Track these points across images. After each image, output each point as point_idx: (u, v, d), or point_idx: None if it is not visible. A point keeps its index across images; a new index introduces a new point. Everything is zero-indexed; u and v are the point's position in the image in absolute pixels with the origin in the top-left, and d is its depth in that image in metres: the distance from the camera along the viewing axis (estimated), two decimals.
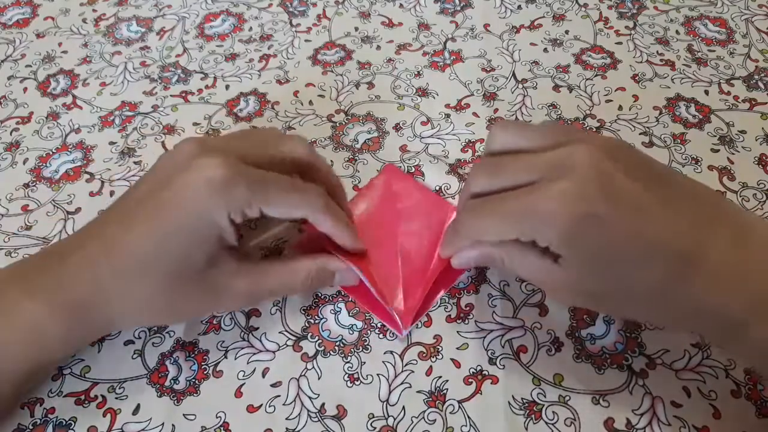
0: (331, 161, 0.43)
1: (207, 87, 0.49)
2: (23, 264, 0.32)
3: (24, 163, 0.44)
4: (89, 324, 0.31)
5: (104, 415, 0.32)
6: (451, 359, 0.34)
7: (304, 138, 0.33)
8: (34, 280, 0.29)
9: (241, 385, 0.33)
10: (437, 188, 0.41)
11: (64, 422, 0.32)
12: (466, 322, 0.35)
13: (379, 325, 0.35)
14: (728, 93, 0.47)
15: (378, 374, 0.33)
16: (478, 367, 0.33)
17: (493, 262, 0.32)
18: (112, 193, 0.42)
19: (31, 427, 0.32)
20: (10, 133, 0.46)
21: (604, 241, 0.27)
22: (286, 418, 0.32)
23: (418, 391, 0.32)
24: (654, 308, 0.29)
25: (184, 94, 0.49)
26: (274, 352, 0.34)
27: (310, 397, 0.33)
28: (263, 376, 0.33)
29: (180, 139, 0.45)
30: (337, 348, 0.34)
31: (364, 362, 0.34)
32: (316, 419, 0.32)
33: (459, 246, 0.32)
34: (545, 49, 0.51)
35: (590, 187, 0.26)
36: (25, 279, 0.30)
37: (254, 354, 0.34)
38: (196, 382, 0.33)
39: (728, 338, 0.28)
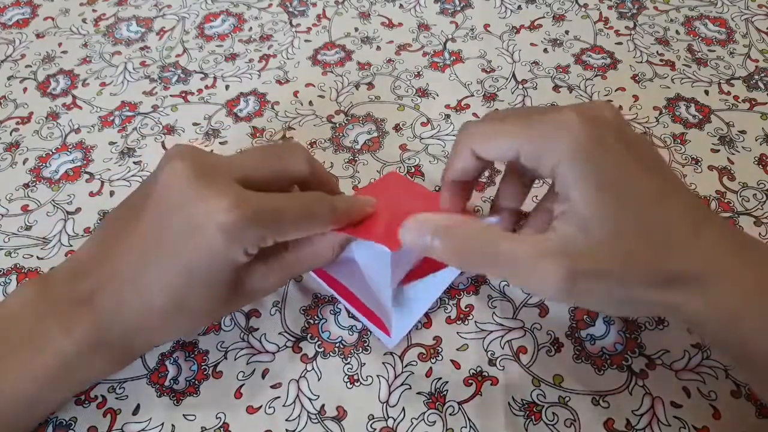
0: (331, 162, 0.43)
1: (207, 87, 0.49)
2: (54, 290, 0.30)
3: (24, 163, 0.44)
4: (128, 354, 0.31)
5: (104, 415, 0.32)
6: (451, 360, 0.34)
7: (302, 148, 0.32)
8: (70, 319, 0.29)
9: (241, 386, 0.33)
10: (437, 189, 0.41)
11: (64, 422, 0.32)
12: (466, 323, 0.35)
13: None
14: (728, 93, 0.47)
15: (378, 375, 0.33)
16: (478, 368, 0.33)
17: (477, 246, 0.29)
18: (112, 193, 0.42)
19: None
20: (10, 134, 0.46)
21: (613, 168, 0.25)
22: (286, 420, 0.32)
23: (418, 393, 0.32)
24: (676, 246, 0.26)
25: (184, 94, 0.49)
26: (273, 353, 0.34)
27: (309, 398, 0.33)
28: (263, 377, 0.33)
29: (178, 141, 0.45)
30: (336, 349, 0.34)
31: (364, 363, 0.34)
32: (316, 420, 0.32)
33: (458, 156, 0.30)
34: (545, 50, 0.51)
35: (610, 126, 0.26)
36: (61, 315, 0.29)
37: (254, 355, 0.34)
38: (196, 382, 0.33)
39: (749, 304, 0.26)
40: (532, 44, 0.52)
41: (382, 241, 0.30)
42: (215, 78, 0.50)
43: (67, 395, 0.31)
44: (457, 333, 0.35)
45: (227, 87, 0.49)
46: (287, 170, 0.31)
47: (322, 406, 0.32)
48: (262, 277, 0.30)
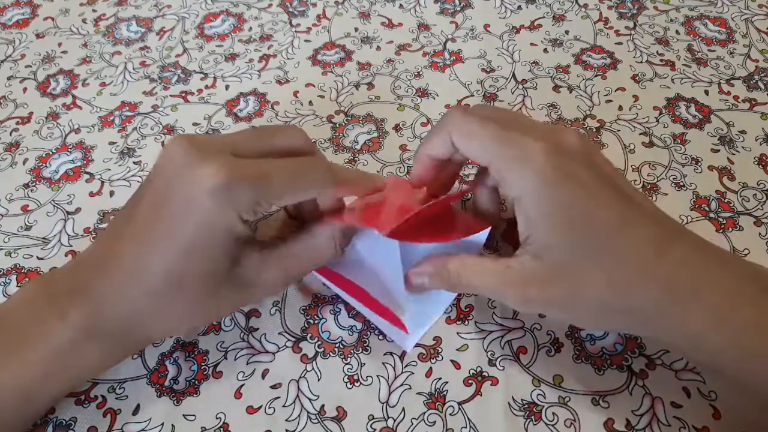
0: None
1: (207, 87, 0.49)
2: (54, 285, 0.30)
3: (24, 163, 0.44)
4: (126, 345, 0.31)
5: (104, 416, 0.32)
6: (451, 360, 0.34)
7: (299, 128, 0.32)
8: (69, 307, 0.29)
9: (241, 386, 0.33)
10: None
11: (64, 422, 0.32)
12: (466, 323, 0.35)
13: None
14: (728, 93, 0.47)
15: (378, 375, 0.33)
16: (478, 369, 0.33)
17: (447, 278, 0.31)
18: (111, 193, 0.42)
19: (31, 427, 0.32)
20: (10, 134, 0.46)
21: (578, 201, 0.27)
22: (286, 420, 0.32)
23: (418, 393, 0.32)
24: (624, 288, 0.27)
25: (183, 94, 0.49)
26: (273, 353, 0.34)
27: (309, 399, 0.33)
28: (263, 377, 0.33)
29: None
30: (336, 349, 0.34)
31: (364, 363, 0.34)
32: (316, 421, 0.32)
33: (435, 139, 0.31)
34: (545, 50, 0.51)
35: (573, 152, 0.28)
36: (60, 306, 0.29)
37: (254, 355, 0.34)
38: (196, 382, 0.33)
39: (705, 331, 0.27)
40: (532, 44, 0.52)
41: (382, 227, 0.30)
42: (215, 78, 0.50)
43: (64, 387, 0.31)
44: (457, 333, 0.35)
45: (227, 87, 0.49)
46: (282, 146, 0.31)
47: (322, 406, 0.32)
48: (258, 267, 0.30)
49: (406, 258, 0.32)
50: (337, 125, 0.46)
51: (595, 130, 0.45)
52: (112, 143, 0.45)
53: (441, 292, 0.35)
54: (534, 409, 0.32)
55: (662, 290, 0.27)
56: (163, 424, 0.32)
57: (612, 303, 0.28)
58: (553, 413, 0.32)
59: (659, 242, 0.27)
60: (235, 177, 0.27)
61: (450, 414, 0.32)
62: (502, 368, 0.33)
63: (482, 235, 0.32)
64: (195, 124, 0.46)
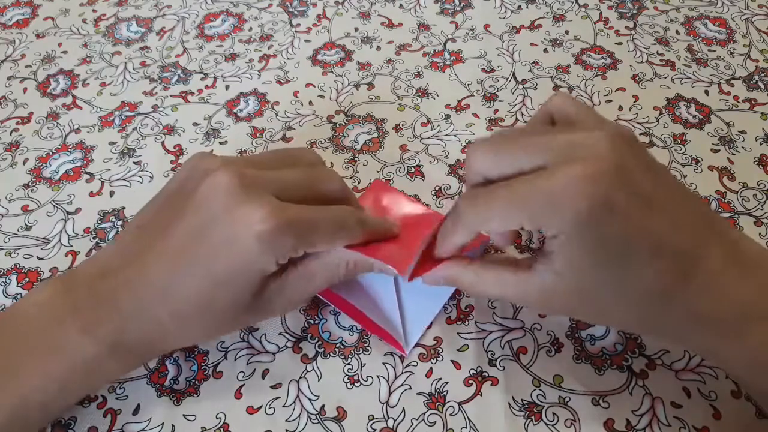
0: (331, 163, 0.43)
1: (207, 87, 0.49)
2: (76, 292, 0.30)
3: (24, 163, 0.44)
4: (144, 358, 0.32)
5: (104, 416, 0.32)
6: (452, 361, 0.34)
7: (338, 176, 0.33)
8: (91, 320, 0.29)
9: (241, 386, 0.33)
10: (437, 189, 0.41)
11: (64, 422, 0.32)
12: (466, 323, 0.35)
13: None
14: (728, 93, 0.47)
15: (378, 376, 0.33)
16: (478, 369, 0.33)
17: (462, 282, 0.30)
18: (112, 194, 0.42)
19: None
20: (10, 134, 0.46)
21: (615, 232, 0.25)
22: (286, 420, 0.32)
23: (419, 393, 0.32)
24: (645, 312, 0.27)
25: (183, 95, 0.49)
26: (273, 353, 0.34)
27: (310, 399, 0.33)
28: (263, 377, 0.33)
29: (178, 141, 0.45)
30: (337, 349, 0.34)
31: (364, 364, 0.34)
32: (316, 421, 0.32)
33: (457, 236, 0.29)
34: (545, 50, 0.51)
35: (608, 174, 0.24)
36: (81, 316, 0.29)
37: (254, 355, 0.34)
38: (196, 382, 0.33)
39: (717, 348, 0.28)
40: (532, 44, 0.52)
41: (394, 265, 0.31)
42: (215, 78, 0.50)
43: (79, 398, 0.31)
44: (458, 333, 0.35)
45: (227, 87, 0.49)
46: (323, 194, 0.31)
47: (322, 406, 0.32)
48: (277, 291, 0.30)
49: (402, 282, 0.34)
50: (337, 125, 0.46)
51: None
52: (112, 143, 0.45)
53: (434, 298, 0.35)
54: (534, 409, 0.32)
55: (681, 316, 0.27)
56: (163, 424, 0.32)
57: (633, 324, 0.29)
58: (553, 413, 0.32)
59: (684, 272, 0.26)
60: (283, 225, 0.27)
61: (450, 414, 0.32)
62: (502, 368, 0.33)
63: (481, 248, 0.34)
64: (195, 124, 0.46)
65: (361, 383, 0.33)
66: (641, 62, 0.50)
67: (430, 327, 0.35)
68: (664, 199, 0.26)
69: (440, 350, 0.34)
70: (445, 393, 0.32)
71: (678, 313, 0.27)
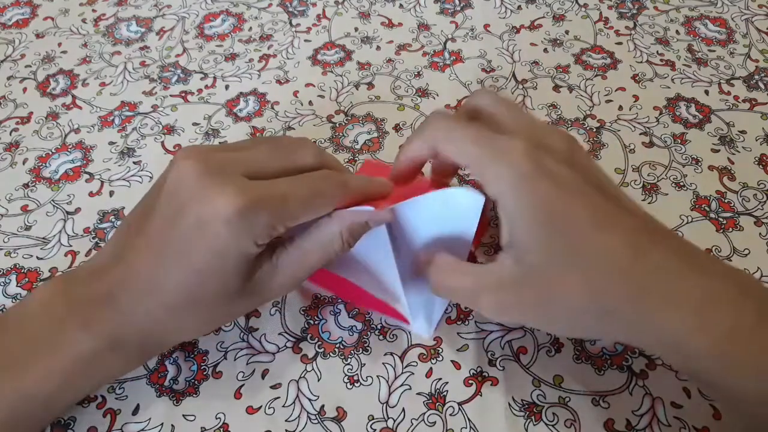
0: None
1: (207, 87, 0.49)
2: (73, 291, 0.30)
3: (24, 163, 0.44)
4: (144, 353, 0.32)
5: (104, 416, 0.32)
6: (451, 361, 0.34)
7: (310, 143, 0.32)
8: (89, 317, 0.29)
9: (241, 386, 0.33)
10: None
11: (63, 422, 0.32)
12: (466, 323, 0.35)
13: (379, 326, 0.35)
14: (728, 93, 0.47)
15: (378, 376, 0.33)
16: (478, 369, 0.33)
17: (428, 273, 0.31)
18: (111, 193, 0.42)
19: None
20: (10, 134, 0.46)
21: (558, 198, 0.26)
22: (286, 420, 0.32)
23: (418, 393, 0.32)
24: (602, 295, 0.26)
25: (183, 94, 0.49)
26: (273, 353, 0.34)
27: (309, 399, 0.32)
28: (263, 377, 0.33)
29: (178, 141, 0.45)
30: (336, 350, 0.34)
31: (364, 364, 0.34)
32: (316, 421, 0.32)
33: (415, 145, 0.30)
34: (545, 50, 0.51)
35: (556, 155, 0.27)
36: (80, 314, 0.29)
37: (254, 355, 0.34)
38: (196, 382, 0.33)
39: (682, 337, 0.27)
40: (532, 44, 0.51)
41: (394, 316, 0.32)
42: (215, 78, 0.50)
43: (80, 396, 0.31)
44: (458, 333, 0.35)
45: (227, 87, 0.49)
46: (296, 165, 0.30)
47: (322, 406, 0.32)
48: (270, 274, 0.30)
49: (398, 249, 0.32)
50: (337, 125, 0.46)
51: (595, 130, 0.45)
52: (111, 143, 0.45)
53: None
54: (534, 410, 0.32)
55: (638, 294, 0.26)
56: (162, 424, 0.32)
57: (587, 307, 0.27)
58: (553, 413, 0.32)
59: (637, 246, 0.26)
60: (251, 204, 0.26)
61: (450, 414, 0.32)
62: (502, 368, 0.33)
63: (475, 203, 0.30)
64: (195, 124, 0.46)
65: (360, 383, 0.33)
66: (641, 62, 0.50)
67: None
68: (612, 189, 0.29)
69: (440, 350, 0.34)
70: (445, 393, 0.32)
71: (646, 268, 0.26)
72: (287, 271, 0.30)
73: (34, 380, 0.28)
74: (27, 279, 0.38)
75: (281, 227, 0.28)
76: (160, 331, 0.30)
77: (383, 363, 0.34)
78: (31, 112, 0.48)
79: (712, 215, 0.39)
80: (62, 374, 0.28)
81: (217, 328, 0.35)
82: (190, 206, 0.27)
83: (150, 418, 0.32)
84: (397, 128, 0.45)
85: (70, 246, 0.39)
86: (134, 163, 0.44)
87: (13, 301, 0.37)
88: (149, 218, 0.29)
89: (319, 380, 0.33)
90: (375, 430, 0.31)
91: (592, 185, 0.27)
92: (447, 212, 0.31)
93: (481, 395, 0.32)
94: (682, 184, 0.41)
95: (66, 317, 0.29)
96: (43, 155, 0.45)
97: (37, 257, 0.39)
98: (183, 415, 0.32)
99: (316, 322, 0.35)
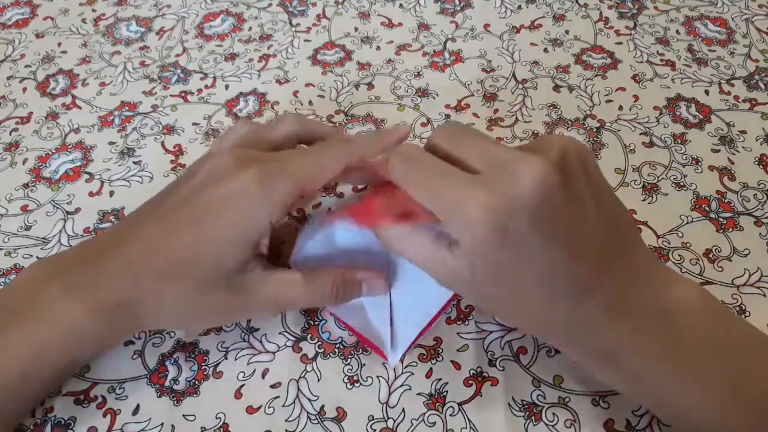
0: None
1: (206, 87, 0.49)
2: (59, 261, 0.32)
3: (23, 163, 0.44)
4: (124, 323, 0.31)
5: (104, 416, 0.32)
6: (451, 361, 0.34)
7: (293, 115, 0.34)
8: (71, 279, 0.29)
9: (241, 386, 0.33)
10: None
11: (63, 422, 0.32)
12: (466, 323, 0.35)
13: None
14: (729, 93, 0.47)
15: (378, 376, 0.33)
16: (478, 369, 0.33)
17: (383, 235, 0.30)
18: (111, 193, 0.42)
19: (31, 426, 0.32)
20: (10, 134, 0.46)
21: (513, 254, 0.25)
22: (286, 420, 0.32)
23: (418, 393, 0.32)
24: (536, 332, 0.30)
25: (183, 94, 0.49)
26: (273, 353, 0.34)
27: (309, 399, 0.32)
28: (263, 377, 0.33)
29: (177, 141, 0.45)
30: (337, 350, 0.34)
31: (364, 364, 0.34)
32: (316, 421, 0.32)
33: (374, 167, 0.31)
34: (545, 50, 0.51)
35: (519, 203, 0.24)
36: (62, 278, 0.30)
37: (254, 355, 0.34)
38: (196, 382, 0.33)
39: (600, 365, 0.29)
40: (532, 44, 0.51)
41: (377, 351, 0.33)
42: (215, 78, 0.50)
43: (62, 366, 0.31)
44: (458, 333, 0.35)
45: (227, 87, 0.49)
46: (283, 134, 0.34)
47: (322, 406, 0.32)
48: (257, 281, 0.30)
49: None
50: (337, 125, 0.46)
51: (595, 130, 0.45)
52: (111, 143, 0.45)
53: (426, 308, 0.34)
54: (534, 410, 0.32)
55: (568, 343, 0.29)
56: (162, 424, 0.32)
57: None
58: (553, 414, 0.32)
59: (577, 312, 0.27)
60: (276, 170, 0.30)
61: (450, 415, 0.32)
62: (502, 368, 0.33)
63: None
64: (195, 123, 0.46)
65: (360, 383, 0.33)
66: (641, 62, 0.50)
67: (421, 335, 0.34)
68: (573, 228, 0.26)
69: (440, 350, 0.34)
70: (445, 393, 0.32)
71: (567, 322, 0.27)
72: (272, 290, 0.31)
73: (8, 346, 0.29)
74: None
75: (298, 191, 0.30)
76: (138, 300, 0.30)
77: (383, 363, 0.34)
78: (31, 112, 0.48)
79: (712, 215, 0.39)
80: (36, 338, 0.29)
81: (194, 323, 0.34)
82: (220, 178, 0.30)
83: (150, 418, 0.32)
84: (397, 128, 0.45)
85: (70, 246, 0.39)
86: (134, 163, 0.44)
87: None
88: (168, 193, 0.32)
89: (319, 380, 0.33)
90: (375, 430, 0.31)
91: (559, 245, 0.25)
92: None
93: (481, 395, 0.32)
94: (682, 184, 0.41)
95: (49, 283, 0.30)
96: (43, 155, 0.45)
97: (37, 257, 0.39)
98: (183, 415, 0.32)
99: (317, 322, 0.35)
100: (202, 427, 0.32)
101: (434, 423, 0.31)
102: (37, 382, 0.31)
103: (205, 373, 0.34)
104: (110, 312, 0.30)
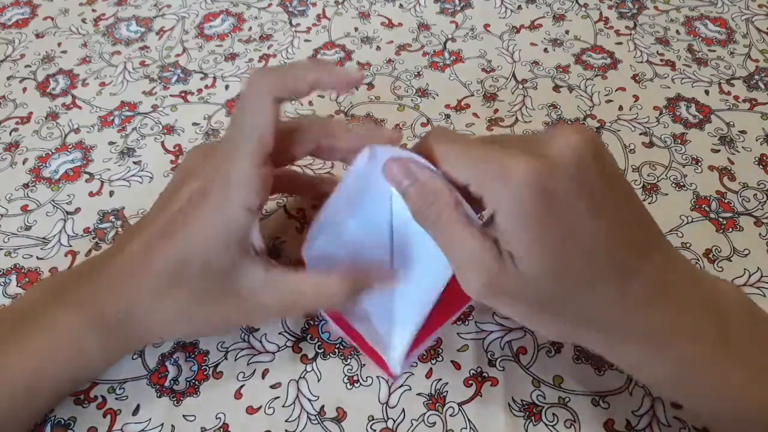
0: (332, 163, 0.43)
1: (206, 87, 0.49)
2: (60, 278, 0.32)
3: (23, 163, 0.44)
4: (128, 336, 0.31)
5: (104, 416, 0.32)
6: (451, 361, 0.34)
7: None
8: (72, 295, 0.29)
9: (241, 387, 0.33)
10: None
11: (63, 422, 0.32)
12: (466, 323, 0.35)
13: None
14: (728, 93, 0.47)
15: (378, 377, 0.33)
16: (478, 369, 0.33)
17: (427, 216, 0.28)
18: (111, 194, 0.42)
19: (31, 426, 0.32)
20: (10, 134, 0.46)
21: (557, 219, 0.25)
22: (286, 420, 0.32)
23: (418, 394, 0.32)
24: (579, 305, 0.26)
25: (183, 94, 0.49)
26: (273, 353, 0.34)
27: (309, 399, 0.32)
28: (263, 377, 0.33)
29: (177, 141, 0.45)
30: (336, 350, 0.34)
31: (364, 364, 0.34)
32: (316, 421, 0.32)
33: (411, 148, 0.29)
34: (545, 50, 0.51)
35: (561, 164, 0.25)
36: (63, 294, 0.30)
37: (254, 355, 0.34)
38: (196, 382, 0.33)
39: (646, 361, 0.28)
40: (532, 44, 0.51)
41: (380, 365, 0.32)
42: (215, 78, 0.50)
43: (65, 382, 0.31)
44: (457, 334, 0.35)
45: (227, 87, 0.49)
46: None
47: (322, 407, 0.32)
48: (258, 285, 0.30)
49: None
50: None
51: (595, 130, 0.45)
52: (111, 143, 0.45)
53: (427, 295, 0.33)
54: (534, 410, 0.32)
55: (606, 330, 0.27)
56: (162, 424, 0.32)
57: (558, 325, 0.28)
58: (553, 414, 0.32)
59: (619, 280, 0.26)
60: (219, 158, 0.29)
61: (450, 415, 0.32)
62: (502, 369, 0.33)
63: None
64: (195, 124, 0.46)
65: (360, 384, 0.33)
66: (641, 62, 0.50)
67: (426, 338, 0.33)
68: (618, 204, 0.26)
69: (440, 351, 0.34)
70: (444, 393, 0.32)
71: (626, 303, 0.26)
72: (277, 297, 0.30)
73: (11, 362, 0.29)
74: (27, 279, 0.38)
75: (261, 150, 0.28)
76: (140, 312, 0.29)
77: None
78: (31, 112, 0.48)
79: (712, 215, 0.39)
80: (38, 354, 0.29)
81: (199, 333, 0.34)
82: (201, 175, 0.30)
83: (150, 419, 0.32)
84: (397, 128, 0.45)
85: (70, 246, 0.39)
86: (134, 163, 0.44)
87: (13, 301, 0.37)
88: (164, 202, 0.32)
89: (319, 380, 0.33)
90: (375, 430, 0.31)
91: (586, 196, 0.25)
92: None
93: (481, 395, 0.32)
94: (682, 184, 0.41)
95: (51, 299, 0.30)
96: (43, 155, 0.45)
97: (37, 257, 0.39)
98: (183, 416, 0.32)
99: (316, 323, 0.35)
100: (202, 428, 0.32)
101: (434, 423, 0.31)
102: (41, 397, 0.31)
103: (205, 373, 0.34)
104: (111, 326, 0.30)
